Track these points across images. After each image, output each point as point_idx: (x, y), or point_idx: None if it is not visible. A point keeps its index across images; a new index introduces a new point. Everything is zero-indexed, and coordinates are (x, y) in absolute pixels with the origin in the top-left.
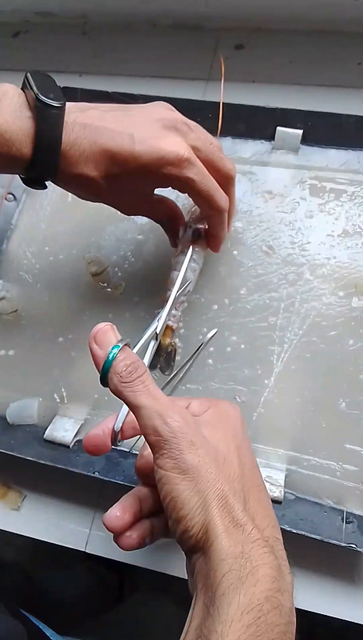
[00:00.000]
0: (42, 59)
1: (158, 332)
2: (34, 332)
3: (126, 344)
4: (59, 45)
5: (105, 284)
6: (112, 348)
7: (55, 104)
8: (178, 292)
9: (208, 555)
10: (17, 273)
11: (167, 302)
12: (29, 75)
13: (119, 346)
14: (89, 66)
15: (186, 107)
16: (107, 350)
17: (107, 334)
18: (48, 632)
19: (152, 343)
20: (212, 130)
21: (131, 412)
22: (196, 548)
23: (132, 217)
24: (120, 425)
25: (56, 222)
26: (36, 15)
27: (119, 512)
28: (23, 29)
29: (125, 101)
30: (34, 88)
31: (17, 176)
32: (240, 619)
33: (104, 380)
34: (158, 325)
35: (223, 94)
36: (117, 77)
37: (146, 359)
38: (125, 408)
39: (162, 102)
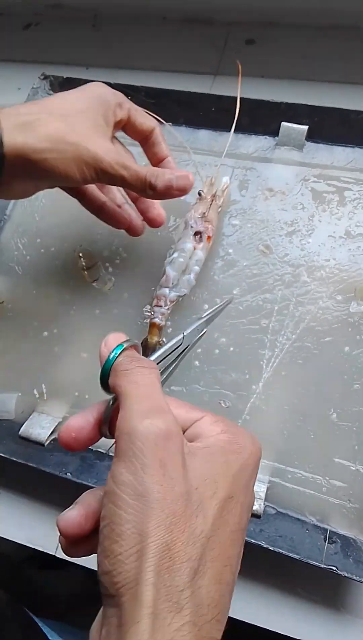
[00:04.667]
0: (52, 51)
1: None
2: (18, 325)
3: (134, 346)
4: (69, 38)
5: (95, 279)
6: (117, 347)
7: None
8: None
9: (121, 636)
10: (7, 264)
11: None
12: None
13: (123, 345)
14: (96, 59)
15: (188, 100)
16: (112, 348)
17: (118, 337)
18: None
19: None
20: (220, 125)
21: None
22: (113, 602)
23: None
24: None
25: (51, 214)
26: (47, 8)
27: (80, 518)
28: (34, 21)
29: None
30: None
31: None
32: None
33: (104, 381)
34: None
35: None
36: (124, 70)
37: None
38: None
39: None
